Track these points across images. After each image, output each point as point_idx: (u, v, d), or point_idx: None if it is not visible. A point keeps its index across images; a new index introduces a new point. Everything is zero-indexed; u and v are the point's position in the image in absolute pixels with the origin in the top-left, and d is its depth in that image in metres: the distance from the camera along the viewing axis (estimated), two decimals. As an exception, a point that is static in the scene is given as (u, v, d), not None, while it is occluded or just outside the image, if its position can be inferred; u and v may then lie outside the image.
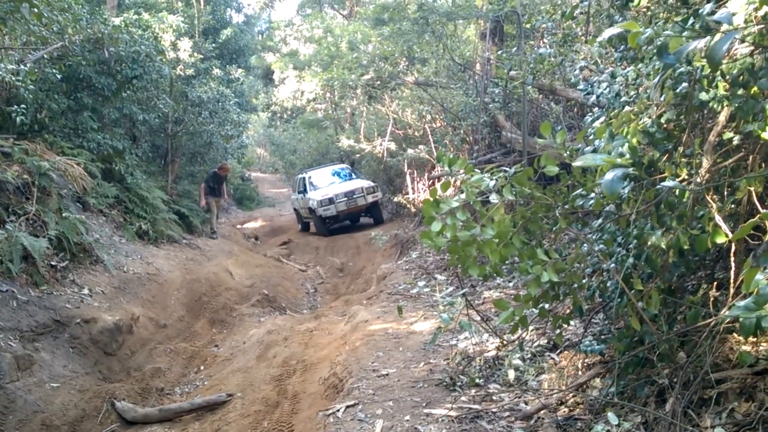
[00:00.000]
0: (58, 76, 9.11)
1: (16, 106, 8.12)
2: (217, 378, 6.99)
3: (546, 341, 5.10)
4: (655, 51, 3.71)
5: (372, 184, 17.53)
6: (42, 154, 8.72)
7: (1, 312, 6.38)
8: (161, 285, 9.92)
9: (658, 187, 2.89)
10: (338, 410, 4.45)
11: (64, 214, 8.45)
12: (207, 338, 8.94)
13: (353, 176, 19.06)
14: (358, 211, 17.90)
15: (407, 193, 16.12)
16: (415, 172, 15.85)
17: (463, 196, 3.13)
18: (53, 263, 7.87)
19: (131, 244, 10.60)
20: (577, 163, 2.69)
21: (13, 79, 7.39)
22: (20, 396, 5.75)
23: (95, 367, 7.06)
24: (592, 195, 3.58)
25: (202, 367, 7.70)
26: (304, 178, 19.36)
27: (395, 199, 16.84)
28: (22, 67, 7.61)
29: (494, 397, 4.33)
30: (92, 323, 7.33)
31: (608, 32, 2.75)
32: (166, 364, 7.59)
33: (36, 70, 8.44)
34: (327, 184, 18.53)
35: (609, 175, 2.48)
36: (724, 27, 2.36)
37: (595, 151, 3.62)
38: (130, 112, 11.63)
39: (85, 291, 7.96)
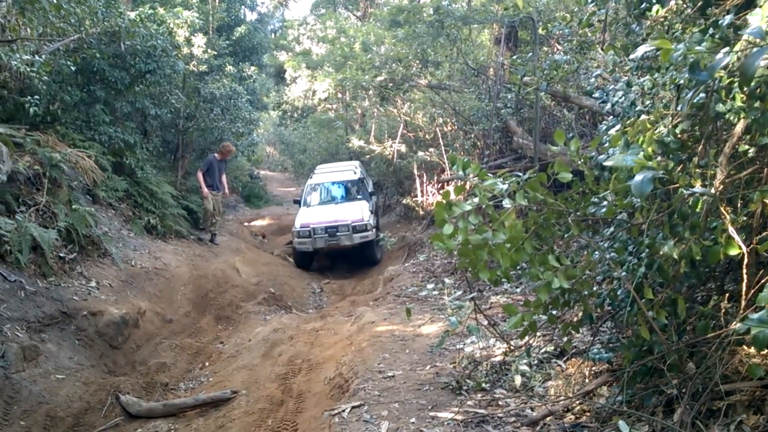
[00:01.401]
0: (72, 69, 9.15)
1: (29, 97, 8.15)
2: (221, 375, 6.99)
3: (553, 348, 5.09)
4: (672, 62, 3.71)
5: (365, 220, 13.75)
6: (54, 146, 8.75)
7: (8, 302, 6.41)
8: (168, 280, 9.94)
9: (686, 192, 2.86)
10: (344, 410, 4.44)
11: (73, 206, 8.48)
12: (212, 335, 8.94)
13: (359, 194, 15.32)
14: (341, 249, 14.18)
15: (416, 196, 16.12)
16: (425, 175, 15.85)
17: (475, 200, 3.13)
18: (62, 255, 7.89)
19: (139, 239, 10.63)
20: (608, 163, 2.70)
21: (28, 69, 7.42)
22: (25, 386, 5.77)
23: (100, 360, 7.07)
24: (605, 203, 3.57)
25: (207, 364, 7.70)
26: (308, 185, 16.37)
27: (404, 202, 16.84)
28: (37, 58, 7.63)
29: (500, 402, 4.32)
30: (99, 316, 7.35)
31: (641, 49, 2.75)
32: (171, 360, 7.60)
33: (50, 62, 8.48)
34: (319, 203, 15.35)
35: (639, 177, 2.48)
36: (745, 37, 2.35)
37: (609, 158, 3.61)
38: (142, 107, 11.66)
39: (93, 284, 7.99)
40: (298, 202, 16.09)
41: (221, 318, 9.67)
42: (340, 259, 15.03)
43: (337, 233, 13.73)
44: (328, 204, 15.18)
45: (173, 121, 14.02)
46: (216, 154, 13.19)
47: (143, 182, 11.79)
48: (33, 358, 6.12)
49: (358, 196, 15.28)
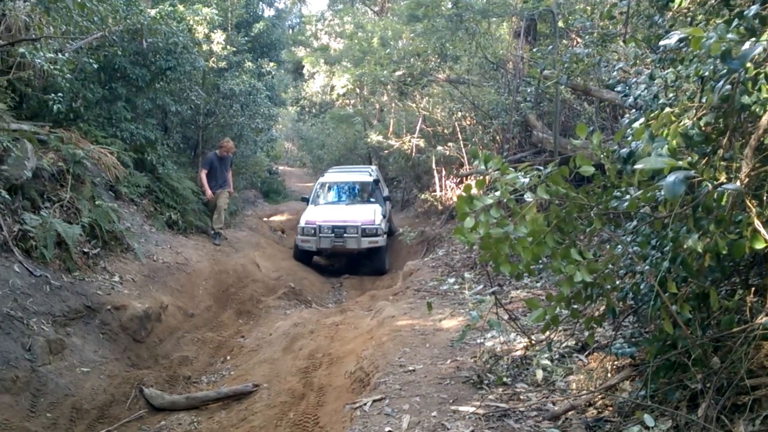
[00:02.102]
0: (95, 66, 9.23)
1: (53, 95, 8.25)
2: (243, 368, 7.05)
3: (574, 342, 5.08)
4: (695, 52, 3.68)
5: (376, 224, 12.94)
6: (77, 143, 8.85)
7: (34, 296, 6.50)
8: (190, 275, 10.02)
9: (711, 185, 2.84)
10: (365, 404, 4.47)
11: (97, 202, 8.57)
12: (234, 329, 9.01)
13: (372, 198, 14.69)
14: (346, 253, 13.53)
15: (435, 191, 16.10)
16: (444, 169, 15.82)
17: (497, 193, 3.13)
18: (85, 250, 7.99)
19: (161, 234, 10.72)
20: (638, 166, 2.67)
21: (51, 67, 7.50)
22: (51, 379, 5.85)
23: (124, 353, 7.16)
24: (627, 196, 3.55)
25: (228, 357, 7.77)
26: (318, 184, 15.86)
27: (422, 197, 16.83)
28: (61, 56, 7.72)
29: (522, 397, 4.32)
30: (122, 310, 7.44)
31: (674, 36, 2.73)
32: (194, 353, 7.68)
33: (73, 60, 8.57)
34: (329, 202, 14.77)
35: (671, 178, 2.46)
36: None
37: (632, 152, 3.59)
38: (163, 103, 11.76)
39: (116, 278, 8.08)
40: (306, 200, 15.33)
41: (242, 312, 9.74)
42: (343, 264, 14.37)
43: (345, 234, 12.90)
44: (338, 204, 14.48)
45: (193, 117, 14.11)
46: (216, 152, 12.46)
47: (164, 178, 11.89)
48: (59, 352, 6.21)
49: (371, 200, 14.55)
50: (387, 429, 3.99)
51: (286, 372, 6.47)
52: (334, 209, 13.96)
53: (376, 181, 15.23)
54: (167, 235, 10.92)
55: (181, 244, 10.94)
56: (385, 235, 13.24)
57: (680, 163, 2.63)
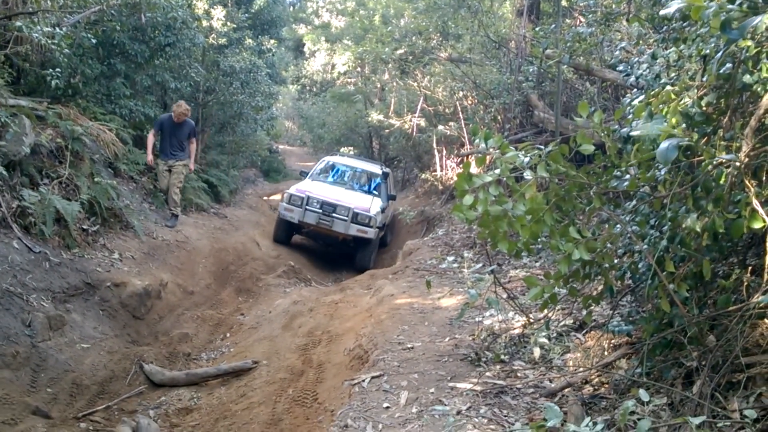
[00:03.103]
0: (93, 41, 9.17)
1: (51, 70, 8.19)
2: (242, 345, 7.08)
3: (572, 321, 5.10)
4: (698, 32, 3.66)
5: (371, 213, 11.85)
6: (75, 119, 8.81)
7: (33, 273, 6.51)
8: (189, 253, 10.04)
9: (713, 162, 2.83)
10: (363, 380, 4.49)
11: (96, 179, 8.56)
12: (233, 306, 9.05)
13: (376, 191, 13.56)
14: (330, 236, 12.23)
15: (435, 171, 16.08)
16: (444, 149, 15.78)
17: (497, 171, 3.12)
18: (85, 227, 7.99)
19: (160, 212, 10.72)
20: (634, 133, 2.68)
21: (49, 42, 7.44)
22: (52, 355, 5.88)
23: (124, 330, 7.19)
24: (627, 176, 3.55)
25: (228, 335, 7.81)
26: (323, 161, 14.82)
27: (422, 176, 16.80)
28: (58, 30, 7.65)
29: (519, 374, 4.35)
30: (122, 287, 7.45)
31: (674, 5, 2.70)
32: (193, 330, 7.71)
33: (71, 35, 8.50)
34: (328, 180, 13.64)
35: (664, 144, 2.47)
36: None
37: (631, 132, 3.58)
38: (162, 80, 11.68)
39: (116, 255, 8.08)
40: (305, 175, 14.18)
41: (242, 290, 9.78)
42: (324, 250, 13.31)
43: (333, 214, 11.75)
44: (338, 186, 13.30)
45: (193, 94, 14.03)
46: (171, 113, 10.42)
47: (164, 156, 11.85)
48: (58, 328, 6.23)
49: (374, 192, 13.40)
50: (385, 405, 4.02)
51: (285, 349, 6.50)
52: (330, 188, 12.92)
53: (386, 175, 14.22)
54: (167, 212, 10.91)
55: (181, 221, 10.93)
56: (377, 230, 12.03)
57: (675, 131, 2.63)
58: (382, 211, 12.67)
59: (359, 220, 11.73)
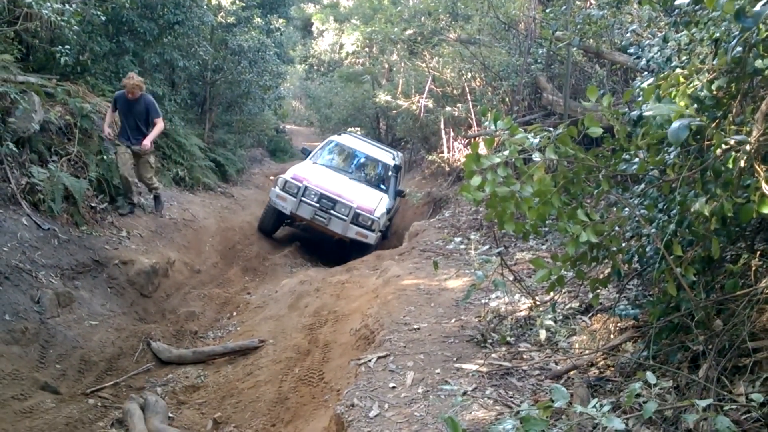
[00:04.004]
0: (102, 18, 9.14)
1: (60, 47, 8.18)
2: (249, 324, 7.13)
3: (578, 304, 5.11)
4: (709, 15, 3.62)
5: (375, 216, 10.46)
6: (84, 96, 8.81)
7: (42, 249, 6.55)
8: (196, 231, 10.08)
9: (723, 145, 2.82)
10: (370, 360, 4.52)
11: (104, 157, 8.58)
12: (240, 285, 9.10)
13: (383, 185, 12.10)
14: (322, 234, 11.02)
15: (442, 152, 16.03)
16: (452, 131, 15.72)
17: (505, 152, 3.11)
18: (93, 204, 8.02)
19: (168, 190, 10.74)
20: (646, 113, 2.67)
21: (58, 19, 7.43)
22: (60, 331, 5.94)
23: (131, 307, 7.24)
24: (636, 160, 3.54)
25: (234, 313, 7.86)
26: (329, 141, 13.12)
27: (429, 158, 16.76)
28: (68, 7, 7.63)
29: (525, 356, 4.37)
30: (129, 265, 7.50)
31: None
32: (200, 309, 7.77)
33: (81, 11, 8.48)
34: (332, 166, 12.03)
35: (675, 124, 2.46)
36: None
37: (642, 115, 3.57)
38: (171, 58, 11.65)
39: (123, 233, 8.12)
40: (307, 154, 12.60)
41: (248, 269, 9.83)
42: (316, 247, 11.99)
43: (332, 211, 10.36)
44: (342, 174, 11.79)
45: (201, 73, 14.01)
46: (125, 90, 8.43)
47: (171, 134, 11.86)
48: (67, 305, 6.29)
49: (382, 187, 11.99)
50: (391, 385, 4.05)
51: (291, 328, 6.55)
52: (333, 176, 11.37)
53: (397, 169, 12.77)
54: (174, 191, 10.95)
55: (188, 200, 10.98)
56: (379, 234, 10.80)
57: (687, 111, 2.62)
58: (388, 212, 11.36)
59: (360, 221, 10.39)
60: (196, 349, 6.43)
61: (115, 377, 5.70)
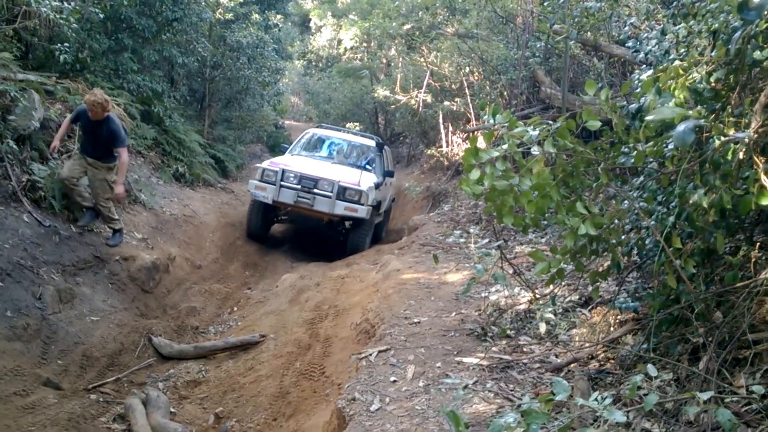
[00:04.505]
0: (101, 16, 9.14)
1: (59, 45, 8.19)
2: (250, 319, 7.15)
3: (578, 297, 5.13)
4: (707, 7, 3.63)
5: (361, 187, 9.90)
6: (83, 94, 8.80)
7: (44, 246, 6.56)
8: (197, 227, 10.10)
9: (721, 139, 2.82)
10: (371, 354, 4.54)
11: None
12: (240, 281, 9.12)
13: (369, 165, 11.51)
14: (311, 217, 10.35)
15: (441, 147, 16.04)
16: (450, 125, 15.73)
17: (504, 146, 3.12)
18: (93, 201, 8.03)
19: (168, 186, 10.76)
20: (650, 117, 2.66)
21: (57, 17, 7.43)
22: (62, 327, 5.96)
23: (133, 303, 7.26)
24: (635, 153, 3.55)
25: (235, 308, 7.88)
26: (306, 133, 12.83)
27: (428, 152, 16.77)
28: (66, 5, 7.63)
29: (525, 349, 4.38)
30: (131, 261, 7.52)
31: None
32: (201, 304, 7.79)
33: (79, 9, 8.47)
34: (312, 156, 11.56)
35: (680, 127, 2.46)
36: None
37: (640, 108, 3.58)
38: (170, 55, 11.65)
39: (124, 229, 8.13)
40: (286, 149, 12.23)
41: (248, 264, 9.85)
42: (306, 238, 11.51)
43: (314, 190, 9.74)
44: (323, 161, 11.29)
45: (200, 69, 14.02)
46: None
47: (171, 131, 11.88)
48: (68, 301, 6.31)
49: (368, 167, 11.38)
50: (392, 378, 4.07)
51: (292, 323, 6.56)
52: (313, 162, 10.93)
53: (380, 147, 12.16)
54: (174, 187, 10.96)
55: (189, 196, 10.99)
56: (370, 208, 10.05)
57: (690, 113, 2.62)
58: (377, 187, 10.70)
59: (347, 196, 9.82)
60: (198, 344, 6.45)
61: (116, 373, 5.71)
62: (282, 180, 9.81)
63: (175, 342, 6.43)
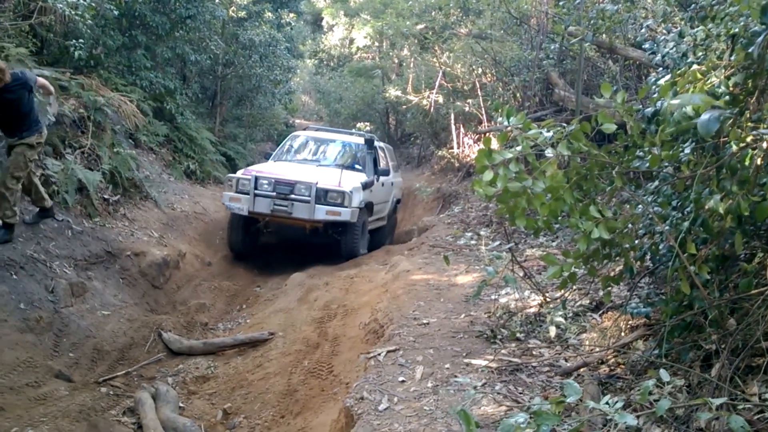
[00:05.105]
0: (115, 13, 9.19)
1: (74, 41, 8.24)
2: (258, 317, 7.16)
3: (588, 301, 5.10)
4: (726, 10, 3.61)
5: (345, 189, 9.08)
6: (97, 90, 8.88)
7: (57, 240, 6.61)
8: (207, 224, 10.13)
9: (758, 131, 2.80)
10: (379, 354, 4.53)
11: (116, 150, 8.64)
12: (249, 278, 9.14)
13: (358, 164, 10.65)
14: (293, 226, 9.39)
15: (452, 148, 16.01)
16: (462, 126, 15.70)
17: (518, 148, 3.11)
18: (106, 197, 8.08)
19: (179, 183, 10.81)
20: (674, 101, 2.65)
21: (72, 13, 7.47)
22: (74, 321, 6.00)
23: (143, 298, 7.30)
24: (649, 156, 3.53)
25: (244, 306, 7.90)
26: (290, 137, 11.75)
27: (439, 153, 16.74)
28: (82, 1, 7.67)
29: (534, 352, 4.37)
30: (141, 256, 7.57)
31: None
32: (210, 301, 7.82)
33: (94, 5, 8.52)
34: (294, 160, 10.67)
35: (705, 115, 2.45)
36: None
37: (657, 111, 3.55)
38: (183, 52, 11.71)
39: (136, 225, 8.18)
40: (268, 157, 11.31)
41: (257, 262, 9.85)
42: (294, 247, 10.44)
43: (291, 196, 8.91)
44: (307, 164, 10.44)
45: (212, 67, 14.08)
46: None
47: (183, 128, 11.93)
48: (80, 295, 6.35)
49: (356, 166, 10.56)
50: (401, 379, 4.06)
51: (301, 322, 6.57)
52: (293, 167, 10.11)
53: (370, 143, 10.98)
54: (185, 184, 11.01)
55: (199, 193, 11.03)
56: (356, 210, 9.26)
57: (717, 102, 2.60)
58: (365, 187, 9.81)
59: (328, 199, 8.98)
60: (207, 340, 6.47)
61: (126, 367, 5.74)
62: (256, 188, 8.98)
63: (184, 338, 6.45)
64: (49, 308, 5.78)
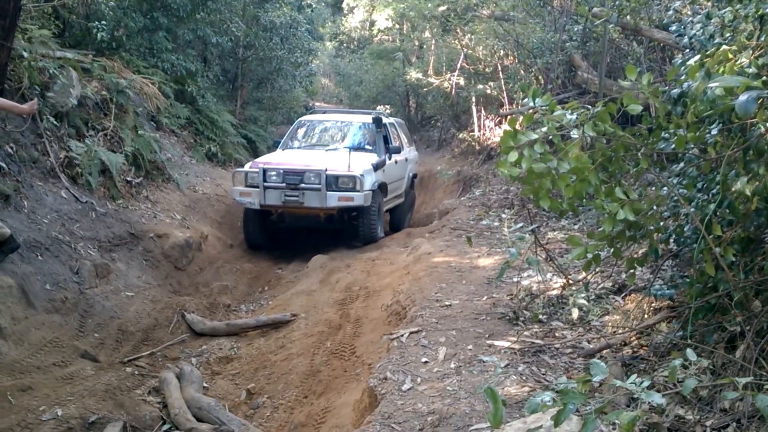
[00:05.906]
0: (137, -6, 9.25)
1: (96, 23, 8.29)
2: (281, 299, 7.21)
3: (611, 284, 5.08)
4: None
5: (356, 173, 8.77)
6: (119, 72, 8.93)
7: (81, 222, 6.69)
8: (228, 207, 10.19)
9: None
10: (402, 335, 4.56)
11: (139, 132, 8.70)
12: (271, 261, 9.19)
13: (369, 145, 10.34)
14: (306, 215, 9.23)
15: (473, 131, 15.93)
16: (483, 109, 15.60)
17: (543, 129, 3.09)
18: (128, 179, 8.16)
19: (200, 165, 10.87)
20: (713, 84, 2.63)
21: (95, -6, 7.55)
22: (98, 302, 6.09)
23: (166, 280, 7.38)
24: (674, 138, 3.49)
25: (266, 288, 7.96)
26: (297, 124, 11.27)
27: (460, 136, 16.65)
28: (104, -17, 7.75)
29: (557, 334, 4.37)
30: (164, 238, 7.65)
31: None
32: (233, 282, 7.88)
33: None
34: (305, 146, 10.49)
35: (744, 96, 2.43)
36: None
37: (683, 92, 3.51)
38: (204, 34, 11.73)
39: (158, 207, 8.26)
40: (276, 144, 10.94)
41: (279, 244, 9.89)
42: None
43: (301, 185, 8.67)
44: (315, 150, 10.17)
45: (233, 49, 14.10)
46: None
47: (204, 110, 11.98)
48: (104, 276, 6.44)
49: (368, 147, 10.28)
50: (424, 359, 4.09)
51: (323, 303, 6.61)
52: (301, 154, 9.91)
53: (378, 122, 10.49)
54: (207, 166, 11.08)
55: (220, 176, 11.09)
56: (370, 193, 8.99)
57: (755, 83, 2.58)
58: (377, 168, 9.52)
59: (340, 185, 8.73)
60: (230, 321, 6.53)
61: (151, 347, 5.82)
62: (265, 180, 8.73)
63: (207, 319, 6.52)
64: (74, 289, 5.87)
